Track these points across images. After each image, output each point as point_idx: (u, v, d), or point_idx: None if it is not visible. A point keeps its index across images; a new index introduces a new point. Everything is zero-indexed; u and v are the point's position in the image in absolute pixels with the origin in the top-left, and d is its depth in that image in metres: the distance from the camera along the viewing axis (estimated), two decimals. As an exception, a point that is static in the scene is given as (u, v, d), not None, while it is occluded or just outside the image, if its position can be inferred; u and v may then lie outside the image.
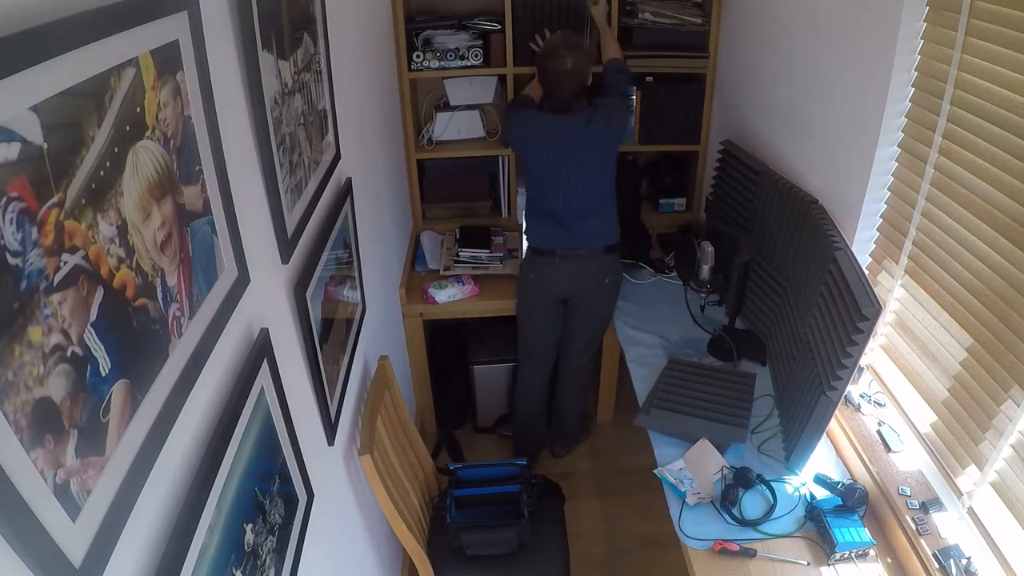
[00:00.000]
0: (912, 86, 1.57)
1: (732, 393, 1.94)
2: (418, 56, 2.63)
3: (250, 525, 0.98)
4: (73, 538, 0.59)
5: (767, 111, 2.31)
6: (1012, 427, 1.29)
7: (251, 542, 0.98)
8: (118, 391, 0.66)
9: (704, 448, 1.82)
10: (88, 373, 0.62)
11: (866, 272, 1.69)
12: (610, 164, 2.28)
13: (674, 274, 2.67)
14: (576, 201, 2.26)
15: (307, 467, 1.28)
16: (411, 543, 1.80)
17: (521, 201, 2.69)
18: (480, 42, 2.65)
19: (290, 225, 1.23)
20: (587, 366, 2.68)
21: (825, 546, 1.54)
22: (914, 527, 1.48)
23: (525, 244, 2.49)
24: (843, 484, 1.64)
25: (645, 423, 1.92)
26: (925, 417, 1.63)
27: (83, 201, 0.61)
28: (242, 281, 1.00)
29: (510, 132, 2.34)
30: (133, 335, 0.70)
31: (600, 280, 2.38)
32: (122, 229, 0.68)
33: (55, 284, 0.57)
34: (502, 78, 2.75)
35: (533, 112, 2.30)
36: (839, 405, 1.64)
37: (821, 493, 1.66)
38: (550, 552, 2.01)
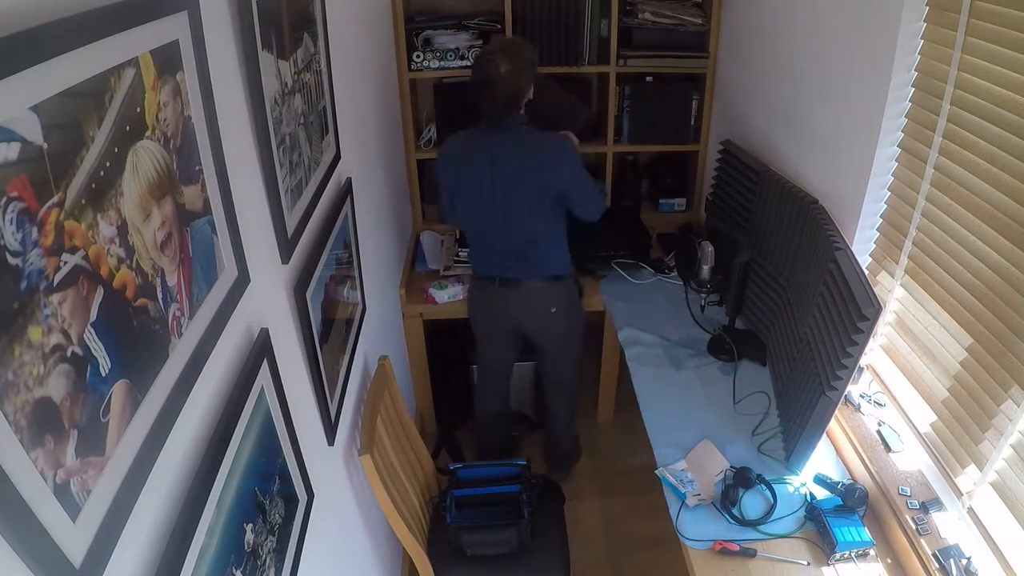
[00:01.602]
0: (912, 86, 1.57)
1: None
2: (418, 56, 2.63)
3: (250, 525, 0.98)
4: (73, 538, 0.59)
5: (767, 111, 2.31)
6: (1012, 427, 1.29)
7: (251, 542, 0.98)
8: (118, 391, 0.66)
9: (706, 449, 1.82)
10: (88, 373, 0.62)
11: (866, 272, 1.69)
12: (543, 207, 2.07)
13: (674, 274, 2.67)
14: (509, 229, 2.11)
15: (307, 467, 1.28)
16: (411, 543, 1.80)
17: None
18: (480, 42, 2.65)
19: (290, 225, 1.23)
20: (567, 390, 2.59)
21: (825, 546, 1.54)
22: (914, 527, 1.48)
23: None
24: (843, 484, 1.64)
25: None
26: (925, 417, 1.63)
27: (83, 201, 0.61)
28: (242, 281, 1.00)
29: (437, 160, 2.18)
30: (133, 335, 0.70)
31: (545, 310, 2.25)
32: (122, 229, 0.68)
33: (55, 284, 0.57)
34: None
35: (463, 132, 2.11)
36: (839, 405, 1.64)
37: (821, 493, 1.66)
38: (550, 552, 2.01)
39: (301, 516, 1.23)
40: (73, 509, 0.59)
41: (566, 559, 2.03)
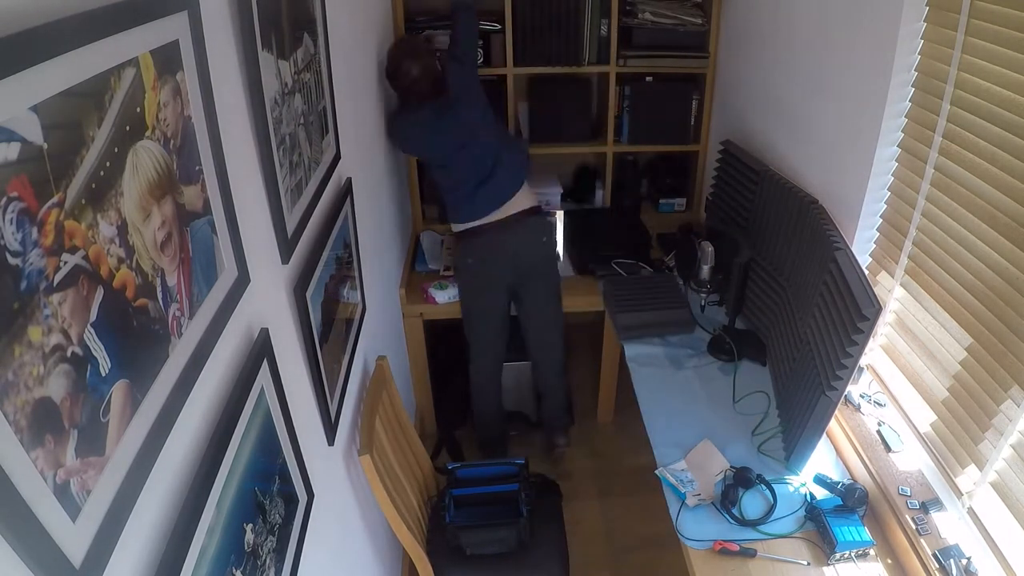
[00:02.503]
0: (912, 86, 1.57)
1: (666, 291, 2.42)
2: (418, 56, 2.62)
3: (250, 525, 0.98)
4: (73, 538, 0.59)
5: (767, 111, 2.31)
6: (1012, 427, 1.29)
7: (251, 542, 0.98)
8: (118, 391, 0.66)
9: (706, 449, 1.82)
10: (88, 373, 0.62)
11: (866, 272, 1.69)
12: (480, 105, 2.34)
13: (674, 274, 2.67)
14: (480, 161, 2.32)
15: (307, 467, 1.28)
16: (410, 543, 1.81)
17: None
18: (480, 42, 2.65)
19: (290, 225, 1.23)
20: (559, 343, 2.64)
21: (825, 546, 1.54)
22: (914, 527, 1.48)
23: (454, 230, 2.49)
24: (843, 484, 1.63)
25: (625, 334, 2.27)
26: (925, 417, 1.63)
27: (83, 201, 0.61)
28: (242, 281, 1.00)
29: (396, 138, 2.48)
30: (133, 335, 0.70)
31: (538, 240, 2.42)
32: (122, 229, 0.68)
33: (55, 284, 0.57)
34: (502, 78, 2.75)
35: (404, 112, 2.40)
36: (839, 405, 1.64)
37: (821, 493, 1.66)
38: (549, 551, 2.01)
39: (301, 516, 1.23)
40: (73, 509, 0.59)
41: (565, 557, 2.03)
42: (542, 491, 2.16)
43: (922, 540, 1.45)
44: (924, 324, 1.60)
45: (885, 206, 1.73)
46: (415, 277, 2.73)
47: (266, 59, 1.09)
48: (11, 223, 0.52)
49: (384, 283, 2.36)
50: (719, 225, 2.41)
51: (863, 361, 1.79)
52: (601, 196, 3.11)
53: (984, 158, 1.36)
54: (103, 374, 0.64)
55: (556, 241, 2.51)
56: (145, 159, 0.72)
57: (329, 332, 1.50)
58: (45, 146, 0.56)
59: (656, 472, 1.77)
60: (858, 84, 1.71)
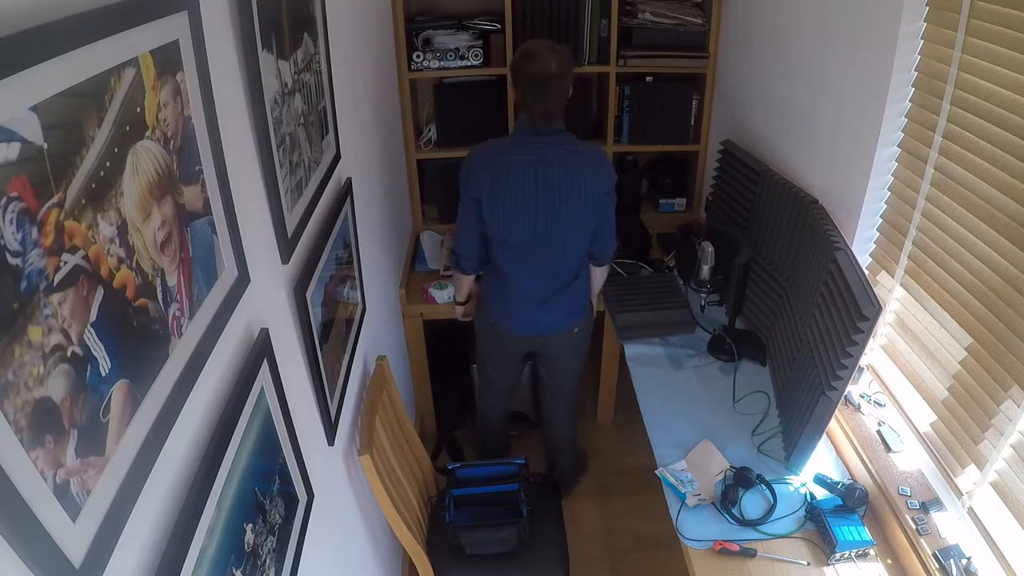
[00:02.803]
0: (912, 86, 1.57)
1: (666, 291, 2.43)
2: (418, 56, 2.63)
3: (250, 525, 0.98)
4: (73, 538, 0.59)
5: (767, 111, 2.31)
6: (1012, 427, 1.29)
7: (251, 542, 0.98)
8: (118, 391, 0.66)
9: (706, 449, 1.82)
10: (88, 373, 0.62)
11: (866, 272, 1.69)
12: (585, 229, 1.97)
13: (674, 274, 2.67)
14: (548, 253, 2.00)
15: (307, 467, 1.28)
16: (410, 543, 1.81)
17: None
18: (480, 42, 2.65)
19: (290, 225, 1.23)
20: (569, 397, 2.51)
21: (825, 546, 1.54)
22: (914, 527, 1.48)
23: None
24: (843, 484, 1.64)
25: (625, 334, 2.25)
26: (925, 417, 1.63)
27: (83, 201, 0.61)
28: (242, 281, 1.00)
29: (465, 172, 1.96)
30: (133, 335, 0.70)
31: (570, 331, 2.19)
32: (122, 229, 0.68)
33: (55, 284, 0.57)
34: (502, 78, 2.75)
35: (490, 142, 1.95)
36: (839, 405, 1.64)
37: (821, 493, 1.66)
38: (549, 551, 2.02)
39: (301, 516, 1.23)
40: (73, 509, 0.59)
41: (565, 557, 2.03)
42: (542, 491, 2.16)
43: (922, 540, 1.45)
44: (924, 324, 1.60)
45: (885, 206, 1.73)
46: (415, 277, 2.73)
47: (266, 59, 1.09)
48: (11, 223, 0.52)
49: (384, 283, 2.36)
50: (719, 225, 2.41)
51: (863, 361, 1.79)
52: (601, 196, 3.10)
53: (984, 158, 1.36)
54: (103, 374, 0.64)
55: (589, 325, 2.28)
56: (145, 159, 0.72)
57: (329, 332, 1.50)
58: (45, 146, 0.56)
59: (656, 472, 1.77)
60: (858, 84, 1.71)
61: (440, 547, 1.98)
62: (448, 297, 2.59)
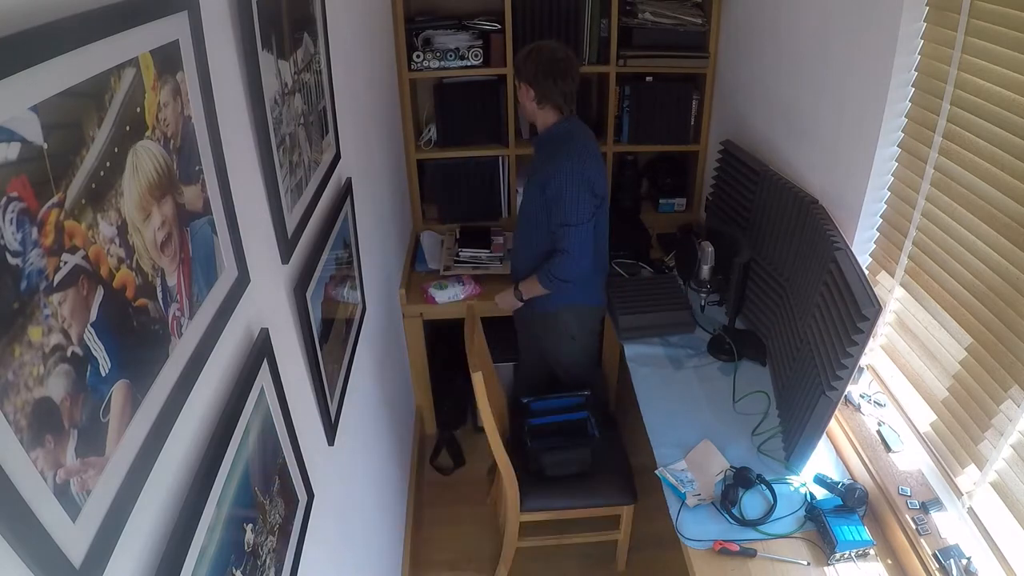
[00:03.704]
0: (912, 86, 1.57)
1: (667, 292, 2.45)
2: (418, 56, 2.63)
3: (250, 525, 0.98)
4: (73, 538, 0.59)
5: (767, 111, 2.31)
6: (1012, 427, 1.29)
7: (251, 542, 0.98)
8: (118, 391, 0.66)
9: (706, 449, 1.82)
10: (88, 373, 0.62)
11: (866, 272, 1.69)
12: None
13: (674, 274, 2.67)
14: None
15: (307, 467, 1.28)
16: (504, 461, 2.05)
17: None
18: (480, 42, 2.65)
19: (290, 225, 1.23)
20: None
21: (825, 546, 1.54)
22: (914, 527, 1.48)
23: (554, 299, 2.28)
24: (843, 484, 1.64)
25: (626, 336, 2.30)
26: (925, 417, 1.63)
27: (83, 201, 0.61)
28: (242, 281, 1.00)
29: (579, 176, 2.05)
30: (133, 335, 0.70)
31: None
32: (122, 229, 0.68)
33: (55, 284, 0.57)
34: (501, 78, 2.75)
35: (576, 138, 2.08)
36: (839, 405, 1.64)
37: (821, 493, 1.66)
38: (616, 474, 2.22)
39: (301, 516, 1.23)
40: (73, 509, 0.59)
41: (631, 479, 2.22)
42: (605, 421, 2.32)
43: (922, 540, 1.45)
44: (924, 324, 1.60)
45: (885, 206, 1.73)
46: (415, 277, 2.73)
47: (266, 59, 1.09)
48: (11, 223, 0.52)
49: (384, 283, 2.36)
50: (719, 225, 2.41)
51: (863, 361, 1.79)
52: (601, 196, 3.10)
53: (984, 158, 1.36)
54: (103, 374, 0.64)
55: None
56: (145, 159, 0.72)
57: (329, 332, 1.50)
58: (45, 146, 0.56)
59: (656, 472, 1.77)
60: (858, 84, 1.71)
61: (520, 473, 2.14)
62: (448, 297, 2.59)
